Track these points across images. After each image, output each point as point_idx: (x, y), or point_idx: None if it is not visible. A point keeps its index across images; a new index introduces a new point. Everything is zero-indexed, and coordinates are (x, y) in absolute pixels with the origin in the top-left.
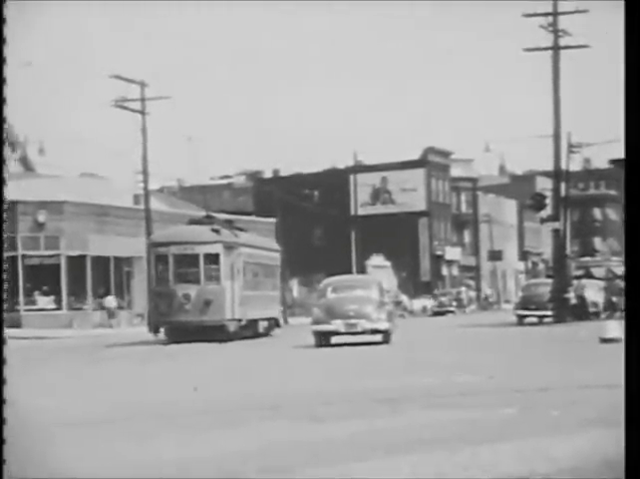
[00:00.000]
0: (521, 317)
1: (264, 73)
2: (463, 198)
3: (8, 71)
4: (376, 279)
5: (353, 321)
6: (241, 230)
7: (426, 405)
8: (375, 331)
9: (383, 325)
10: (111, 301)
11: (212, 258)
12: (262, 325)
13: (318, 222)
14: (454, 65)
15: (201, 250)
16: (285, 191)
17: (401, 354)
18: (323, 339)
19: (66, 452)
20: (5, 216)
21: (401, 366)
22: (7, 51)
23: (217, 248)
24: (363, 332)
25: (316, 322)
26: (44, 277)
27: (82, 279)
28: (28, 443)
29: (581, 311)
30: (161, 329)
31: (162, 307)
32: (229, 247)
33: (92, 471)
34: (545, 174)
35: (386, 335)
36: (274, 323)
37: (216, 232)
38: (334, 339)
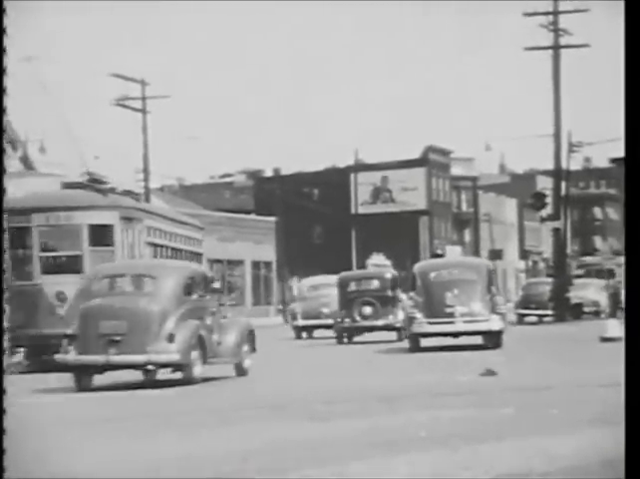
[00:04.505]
0: (521, 316)
1: (264, 71)
2: (463, 196)
3: (8, 66)
4: None
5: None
6: None
7: (424, 404)
8: None
9: None
10: None
11: None
12: None
13: (318, 220)
14: (454, 64)
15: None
16: (286, 189)
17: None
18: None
19: None
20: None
21: None
22: (7, 42)
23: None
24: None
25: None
26: None
27: None
28: None
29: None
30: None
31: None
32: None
33: None
34: (546, 173)
35: None
36: None
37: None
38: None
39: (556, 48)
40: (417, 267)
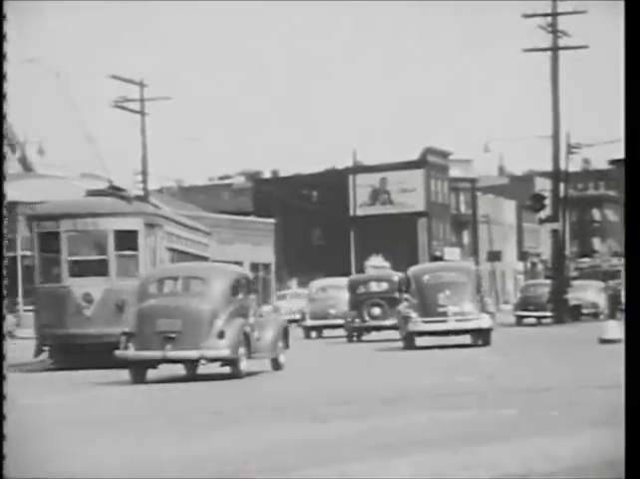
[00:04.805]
0: (520, 318)
1: (264, 72)
2: (462, 198)
3: (8, 70)
4: None
5: None
6: None
7: (424, 405)
8: None
9: None
10: None
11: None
12: None
13: (317, 222)
14: (453, 65)
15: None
16: (285, 191)
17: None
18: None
19: None
20: (5, 219)
21: None
22: (7, 48)
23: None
24: None
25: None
26: None
27: None
28: None
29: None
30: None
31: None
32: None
33: None
34: (544, 174)
35: None
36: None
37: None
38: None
39: (555, 49)
40: (411, 271)
